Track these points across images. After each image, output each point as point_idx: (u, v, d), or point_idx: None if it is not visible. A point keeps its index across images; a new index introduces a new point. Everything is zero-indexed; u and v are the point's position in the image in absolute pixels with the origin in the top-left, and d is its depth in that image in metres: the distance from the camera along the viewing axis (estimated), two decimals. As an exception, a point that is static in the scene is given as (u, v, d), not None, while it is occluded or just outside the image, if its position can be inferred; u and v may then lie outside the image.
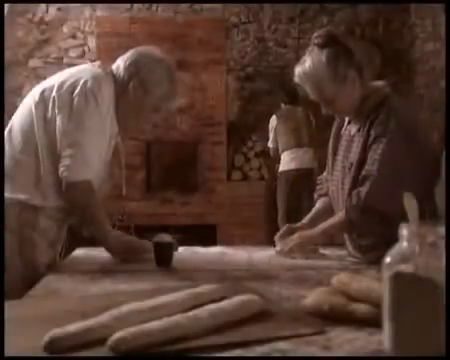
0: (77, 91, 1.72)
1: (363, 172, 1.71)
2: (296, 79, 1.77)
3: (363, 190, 1.69)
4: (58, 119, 1.71)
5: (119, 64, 1.86)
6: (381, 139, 1.68)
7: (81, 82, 1.73)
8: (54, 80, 1.81)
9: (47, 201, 1.74)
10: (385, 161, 1.67)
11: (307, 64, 1.74)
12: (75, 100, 1.71)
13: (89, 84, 1.73)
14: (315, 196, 2.05)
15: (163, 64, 1.85)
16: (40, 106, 1.75)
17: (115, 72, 1.85)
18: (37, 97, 1.77)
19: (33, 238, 1.73)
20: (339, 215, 1.78)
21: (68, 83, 1.75)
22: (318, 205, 2.02)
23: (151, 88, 1.83)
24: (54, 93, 1.74)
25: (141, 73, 1.82)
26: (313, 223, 1.91)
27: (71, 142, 1.69)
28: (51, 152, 1.72)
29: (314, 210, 2.02)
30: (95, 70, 1.81)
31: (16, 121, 1.80)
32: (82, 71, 1.81)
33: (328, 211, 1.90)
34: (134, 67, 1.82)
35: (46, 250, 1.77)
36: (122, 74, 1.83)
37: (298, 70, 1.76)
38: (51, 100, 1.74)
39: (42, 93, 1.77)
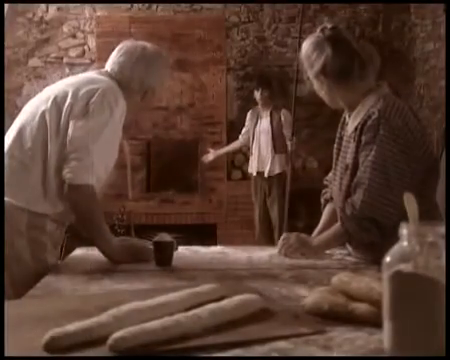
0: (93, 100, 1.72)
1: (355, 179, 1.71)
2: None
3: (356, 199, 1.68)
4: (70, 125, 1.71)
5: (115, 69, 1.86)
6: (371, 146, 1.68)
7: (98, 92, 1.73)
8: (67, 86, 1.79)
9: (53, 208, 1.74)
10: (376, 168, 1.66)
11: (306, 46, 1.77)
12: (91, 108, 1.71)
13: (107, 94, 1.74)
14: (322, 200, 2.02)
15: (167, 65, 1.93)
16: (54, 113, 1.74)
17: (116, 78, 1.84)
18: (50, 104, 1.75)
19: (43, 240, 1.74)
20: (336, 227, 1.77)
21: (84, 91, 1.74)
22: (324, 216, 1.98)
23: (151, 82, 1.88)
24: (69, 100, 1.73)
25: (153, 83, 1.88)
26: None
27: (78, 146, 1.68)
28: (59, 159, 1.71)
29: (322, 221, 1.98)
30: (109, 81, 1.82)
31: (24, 125, 1.77)
32: (96, 80, 1.81)
33: (335, 222, 1.83)
34: (146, 79, 1.86)
35: (52, 251, 1.78)
36: (121, 78, 1.84)
37: (303, 46, 1.80)
38: (65, 107, 1.73)
39: (55, 100, 1.75)
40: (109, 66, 1.88)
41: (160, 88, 1.93)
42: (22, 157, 1.74)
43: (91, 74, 1.91)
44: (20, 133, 1.77)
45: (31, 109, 1.81)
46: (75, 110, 1.72)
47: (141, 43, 1.91)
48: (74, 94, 1.74)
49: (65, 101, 1.74)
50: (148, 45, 1.90)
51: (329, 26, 1.77)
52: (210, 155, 5.32)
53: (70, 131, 1.70)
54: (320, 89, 1.80)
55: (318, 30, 1.78)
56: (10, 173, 1.74)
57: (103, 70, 1.90)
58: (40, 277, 1.54)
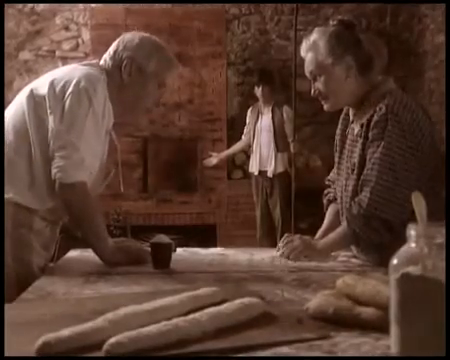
0: (70, 90, 1.69)
1: (362, 177, 1.69)
2: (301, 52, 1.78)
3: (363, 198, 1.66)
4: (50, 120, 1.69)
5: (106, 58, 1.83)
6: (379, 142, 1.66)
7: (74, 81, 1.70)
8: (45, 79, 1.77)
9: (41, 203, 1.72)
10: (383, 165, 1.64)
11: (313, 39, 1.75)
12: (68, 100, 1.68)
13: (82, 83, 1.70)
14: (324, 201, 1.99)
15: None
16: (32, 106, 1.72)
17: (106, 68, 1.82)
18: (29, 96, 1.74)
19: (29, 240, 1.71)
20: (341, 228, 1.74)
21: (60, 82, 1.72)
22: (328, 217, 1.95)
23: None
24: (46, 93, 1.71)
25: (147, 66, 1.80)
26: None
27: (64, 143, 1.66)
28: (44, 153, 1.69)
29: (325, 223, 1.94)
30: (87, 69, 1.79)
31: (8, 120, 1.77)
32: (74, 70, 1.79)
33: (339, 223, 1.80)
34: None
35: (41, 252, 1.75)
36: (112, 67, 1.81)
37: (305, 41, 1.77)
38: (43, 100, 1.71)
39: (33, 92, 1.74)
40: (103, 57, 1.85)
41: (162, 77, 1.83)
42: (6, 151, 1.73)
43: (74, 65, 1.88)
44: (5, 130, 1.75)
45: (15, 102, 1.79)
46: (52, 103, 1.69)
47: (141, 33, 1.87)
48: (51, 86, 1.71)
49: (41, 94, 1.71)
50: (148, 35, 1.86)
51: (345, 18, 1.76)
52: (213, 159, 5.30)
53: (51, 126, 1.68)
54: (340, 78, 1.72)
55: (333, 22, 1.76)
56: None
57: (93, 61, 1.87)
58: (23, 280, 1.52)
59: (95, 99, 1.70)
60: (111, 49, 1.84)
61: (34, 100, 1.72)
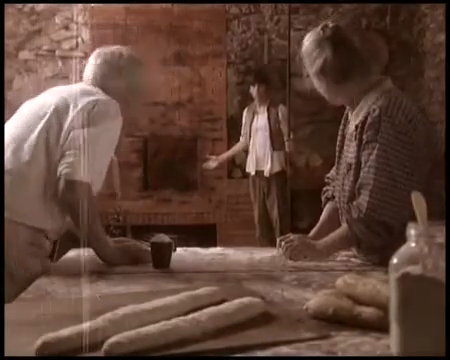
0: (96, 110, 1.73)
1: (359, 180, 1.68)
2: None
3: (362, 201, 1.65)
4: (71, 133, 1.70)
5: (104, 83, 1.86)
6: (373, 144, 1.65)
7: (99, 102, 1.75)
8: (64, 98, 1.78)
9: (55, 222, 1.74)
10: (380, 167, 1.63)
11: (307, 43, 1.75)
12: (92, 116, 1.72)
13: (108, 106, 1.77)
14: (323, 199, 1.98)
15: (144, 69, 1.96)
16: (55, 126, 1.73)
17: (103, 90, 1.85)
18: (49, 117, 1.74)
19: (39, 254, 1.73)
20: (342, 229, 1.73)
21: (84, 102, 1.74)
22: (325, 213, 1.95)
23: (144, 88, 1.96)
24: (71, 113, 1.73)
25: (139, 90, 1.93)
26: (321, 234, 1.84)
27: (77, 145, 1.68)
28: None
29: (321, 220, 1.94)
30: (102, 94, 1.83)
31: (23, 139, 1.75)
32: (92, 91, 1.82)
33: (336, 220, 1.82)
34: (126, 92, 1.88)
35: (46, 260, 1.77)
36: (119, 93, 1.85)
37: (304, 41, 1.77)
38: (68, 121, 1.72)
39: (56, 113, 1.74)
40: (90, 78, 1.88)
41: (142, 96, 1.95)
42: (19, 170, 1.71)
43: (82, 85, 1.90)
44: (17, 147, 1.73)
45: (25, 122, 1.78)
46: (77, 121, 1.72)
47: (117, 51, 1.91)
48: (75, 106, 1.74)
49: (67, 114, 1.74)
50: (124, 53, 1.91)
51: (330, 25, 1.73)
52: (212, 162, 5.28)
53: (70, 137, 1.70)
54: (319, 87, 1.78)
55: (319, 27, 1.75)
56: (6, 190, 1.69)
57: (88, 81, 1.89)
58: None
59: (116, 122, 1.77)
60: (100, 72, 1.86)
61: (57, 121, 1.73)
